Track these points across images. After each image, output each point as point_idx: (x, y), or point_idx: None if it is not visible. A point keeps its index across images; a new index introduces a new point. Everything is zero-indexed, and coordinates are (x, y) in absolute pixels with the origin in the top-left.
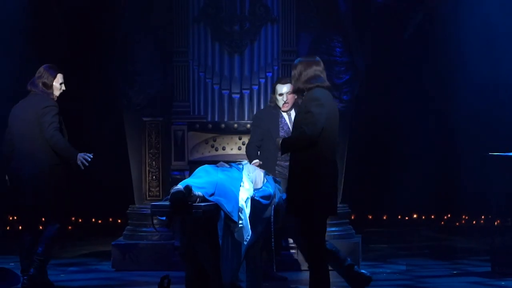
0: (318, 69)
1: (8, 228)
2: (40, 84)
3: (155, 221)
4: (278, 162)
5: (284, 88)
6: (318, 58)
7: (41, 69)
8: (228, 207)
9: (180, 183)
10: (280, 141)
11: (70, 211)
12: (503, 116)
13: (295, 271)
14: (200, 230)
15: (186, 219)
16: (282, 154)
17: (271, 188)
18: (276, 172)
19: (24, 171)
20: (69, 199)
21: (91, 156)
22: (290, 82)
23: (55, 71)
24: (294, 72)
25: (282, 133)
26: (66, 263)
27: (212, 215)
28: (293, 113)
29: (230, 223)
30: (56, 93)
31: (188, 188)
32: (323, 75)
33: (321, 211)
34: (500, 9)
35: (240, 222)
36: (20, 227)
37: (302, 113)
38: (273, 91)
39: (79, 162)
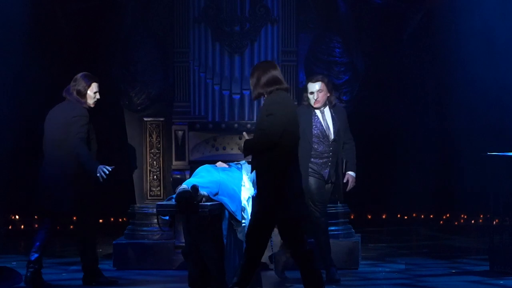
0: (276, 73)
1: (10, 227)
2: (74, 92)
3: (156, 220)
4: (312, 160)
5: (314, 86)
6: (275, 62)
7: (77, 76)
8: (232, 206)
9: (185, 182)
10: (243, 143)
11: (96, 217)
12: (502, 116)
13: (294, 270)
14: (205, 229)
15: (191, 218)
16: (245, 156)
17: None
18: (310, 170)
19: (49, 175)
20: (95, 206)
21: (110, 169)
22: (320, 80)
23: (90, 80)
24: (253, 79)
25: (315, 131)
26: (68, 262)
27: (217, 215)
28: (326, 110)
29: (234, 222)
30: (90, 101)
31: (195, 188)
32: (282, 78)
33: (289, 211)
34: (499, 9)
35: (243, 221)
36: (36, 225)
37: (264, 116)
38: (305, 89)
39: (98, 175)
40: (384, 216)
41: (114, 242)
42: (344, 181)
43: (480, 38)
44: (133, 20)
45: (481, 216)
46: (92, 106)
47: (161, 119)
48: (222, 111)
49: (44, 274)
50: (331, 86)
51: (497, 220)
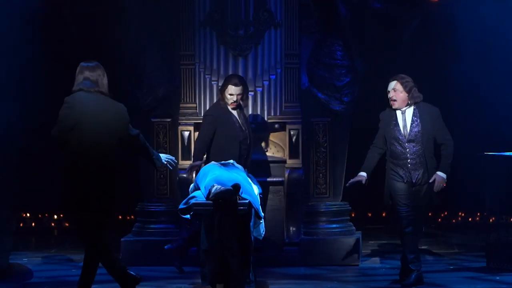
0: (89, 74)
1: (21, 224)
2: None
3: (163, 218)
4: (393, 160)
5: (390, 86)
6: (96, 63)
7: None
8: (255, 204)
9: (213, 181)
10: None
11: None
12: (498, 117)
13: (297, 266)
14: (239, 227)
15: (225, 217)
16: None
17: (258, 187)
18: (392, 172)
19: None
20: None
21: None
22: (396, 79)
23: (228, 82)
24: None
25: (395, 133)
26: (77, 258)
27: (248, 213)
28: (408, 111)
29: (256, 219)
30: (227, 102)
31: (237, 187)
32: (99, 81)
33: (73, 207)
34: (497, 13)
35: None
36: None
37: None
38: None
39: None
40: (384, 214)
41: (122, 239)
42: (430, 180)
43: (478, 41)
44: (140, 23)
45: (478, 214)
46: (230, 106)
47: (168, 119)
48: None
49: (53, 270)
50: (410, 86)
51: (493, 218)
